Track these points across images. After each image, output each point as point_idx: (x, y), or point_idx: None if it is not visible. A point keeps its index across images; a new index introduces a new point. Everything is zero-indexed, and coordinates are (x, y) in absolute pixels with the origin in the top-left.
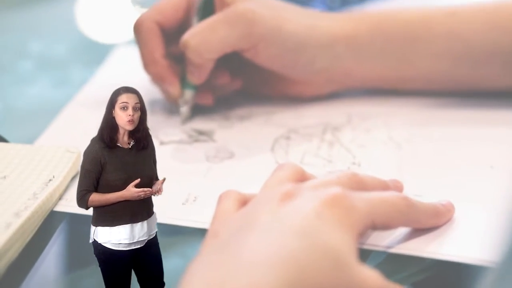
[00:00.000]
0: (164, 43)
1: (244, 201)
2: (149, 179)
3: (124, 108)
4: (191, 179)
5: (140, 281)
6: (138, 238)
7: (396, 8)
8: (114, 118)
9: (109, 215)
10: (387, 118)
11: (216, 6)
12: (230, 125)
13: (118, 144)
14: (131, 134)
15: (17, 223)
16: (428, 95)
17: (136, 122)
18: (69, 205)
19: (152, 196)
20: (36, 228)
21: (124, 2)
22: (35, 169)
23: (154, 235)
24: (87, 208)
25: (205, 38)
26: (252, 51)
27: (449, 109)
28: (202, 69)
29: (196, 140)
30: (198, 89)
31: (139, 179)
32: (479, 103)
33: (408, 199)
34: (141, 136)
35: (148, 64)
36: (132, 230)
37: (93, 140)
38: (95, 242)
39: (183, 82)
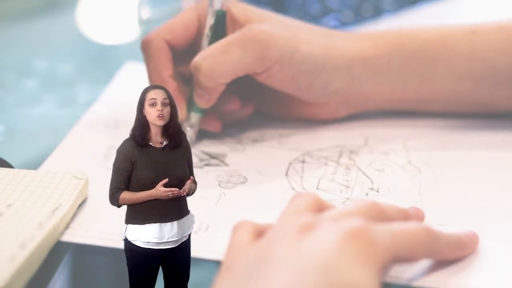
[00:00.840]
0: (173, 63)
1: (259, 232)
2: (179, 179)
3: (153, 104)
4: (203, 206)
5: (165, 280)
6: (168, 238)
7: (415, 27)
8: (145, 116)
9: (139, 213)
10: (406, 140)
11: (228, 26)
12: (242, 148)
13: (150, 143)
14: (164, 132)
15: (22, 255)
16: (448, 117)
17: (167, 117)
18: (76, 234)
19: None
20: (42, 260)
21: (127, 4)
22: (41, 197)
23: (187, 237)
24: (118, 206)
25: (217, 61)
26: (265, 74)
27: (471, 131)
28: (212, 92)
29: (207, 164)
30: (206, 115)
31: (167, 179)
32: (501, 125)
33: (431, 230)
34: (173, 132)
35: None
36: (161, 229)
37: (125, 140)
38: (126, 239)
39: (190, 105)
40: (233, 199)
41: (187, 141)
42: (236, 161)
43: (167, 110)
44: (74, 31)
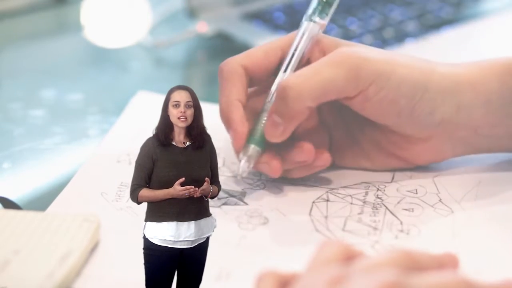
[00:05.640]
0: (246, 91)
1: (284, 283)
2: (199, 180)
3: (176, 105)
4: (223, 250)
5: (178, 280)
6: (184, 238)
7: None
8: (168, 116)
9: (157, 211)
10: (435, 175)
11: (318, 56)
12: (262, 185)
13: (173, 143)
14: (187, 133)
15: None
16: None
17: (190, 119)
18: (88, 282)
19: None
20: None
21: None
22: (50, 242)
23: (205, 239)
24: (138, 203)
25: (308, 79)
26: (361, 97)
27: (506, 165)
28: (291, 121)
29: (226, 203)
30: (266, 153)
31: (183, 178)
32: None
33: (468, 283)
34: (196, 133)
35: (221, 108)
36: (177, 228)
37: (149, 138)
38: (144, 236)
39: (251, 137)
40: (254, 242)
41: (211, 142)
42: (256, 199)
43: (190, 112)
44: (83, 54)
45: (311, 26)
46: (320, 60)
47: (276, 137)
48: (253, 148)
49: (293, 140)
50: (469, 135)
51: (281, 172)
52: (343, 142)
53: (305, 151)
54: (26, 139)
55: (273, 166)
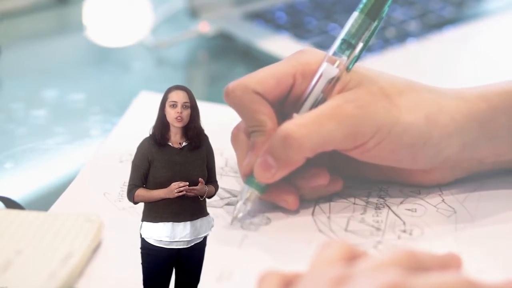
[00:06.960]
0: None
1: (287, 283)
2: (195, 181)
3: (173, 105)
4: (225, 250)
5: (176, 279)
6: (180, 238)
7: None
8: (165, 115)
9: (154, 211)
10: None
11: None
12: None
13: (169, 143)
14: (184, 133)
15: None
16: None
17: (186, 120)
18: (90, 283)
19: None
20: None
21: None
22: (52, 242)
23: (202, 239)
24: (134, 203)
25: (311, 133)
26: (359, 150)
27: None
28: (285, 167)
29: (228, 203)
30: (280, 188)
31: (179, 182)
32: None
33: (471, 282)
34: (193, 134)
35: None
36: (173, 229)
37: (145, 138)
38: (141, 236)
39: (251, 177)
40: (256, 242)
41: (208, 143)
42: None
43: (186, 112)
44: (84, 54)
45: (329, 69)
46: (322, 110)
47: (266, 179)
48: (251, 192)
49: (304, 165)
50: (474, 164)
51: (298, 204)
52: (342, 161)
53: (321, 177)
54: (28, 139)
55: (291, 202)
